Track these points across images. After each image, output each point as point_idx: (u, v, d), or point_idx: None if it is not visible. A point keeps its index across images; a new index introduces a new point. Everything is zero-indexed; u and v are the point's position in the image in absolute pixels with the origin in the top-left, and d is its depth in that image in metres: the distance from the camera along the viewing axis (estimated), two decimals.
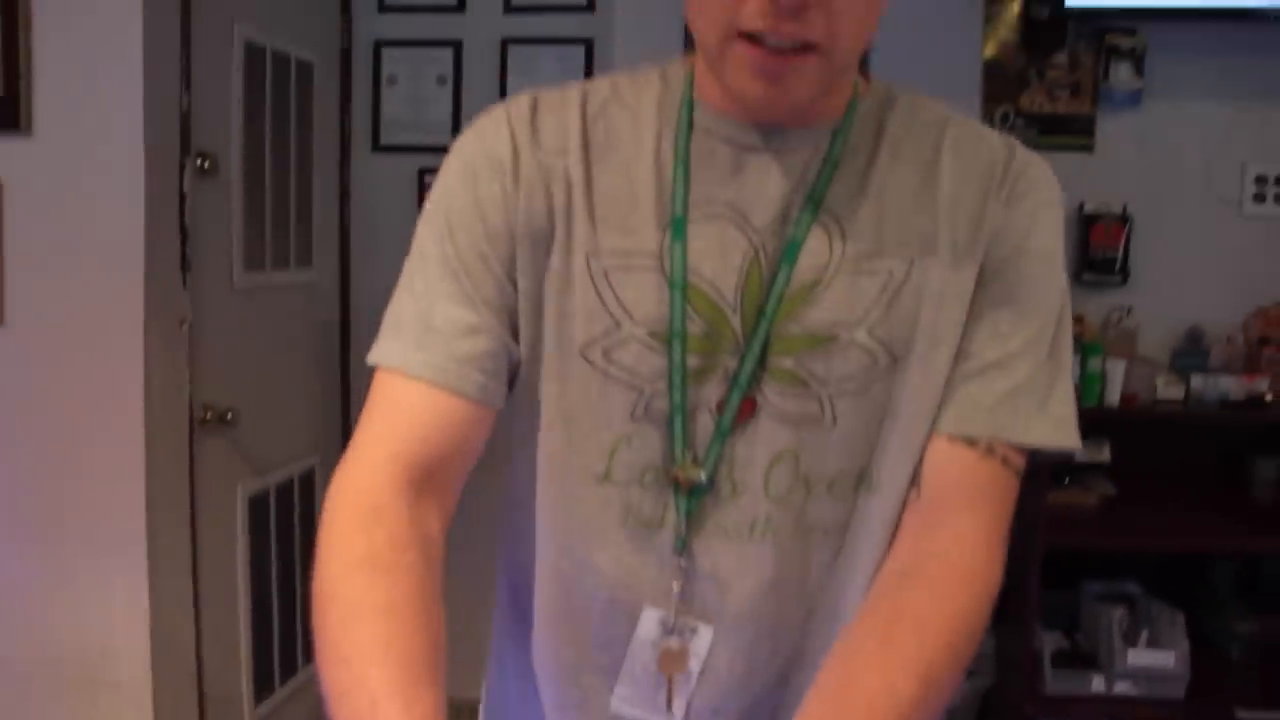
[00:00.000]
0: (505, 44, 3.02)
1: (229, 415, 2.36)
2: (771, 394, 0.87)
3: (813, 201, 0.87)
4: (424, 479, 0.86)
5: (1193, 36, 2.77)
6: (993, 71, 2.84)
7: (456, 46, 3.05)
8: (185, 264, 2.22)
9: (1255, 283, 2.84)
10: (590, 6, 2.99)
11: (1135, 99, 2.82)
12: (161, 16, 2.11)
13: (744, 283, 0.87)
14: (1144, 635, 2.52)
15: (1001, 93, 2.84)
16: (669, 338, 0.86)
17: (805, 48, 0.79)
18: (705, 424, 0.88)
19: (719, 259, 0.87)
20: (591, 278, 0.88)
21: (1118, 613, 2.54)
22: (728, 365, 0.87)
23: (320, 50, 2.89)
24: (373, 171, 3.10)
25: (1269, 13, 2.62)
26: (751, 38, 0.79)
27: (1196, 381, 2.68)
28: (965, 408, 0.88)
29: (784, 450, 0.88)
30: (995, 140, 0.92)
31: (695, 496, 0.88)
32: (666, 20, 2.84)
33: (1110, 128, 2.84)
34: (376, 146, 3.10)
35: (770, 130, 0.88)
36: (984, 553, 0.87)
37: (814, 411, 0.87)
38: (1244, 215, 2.86)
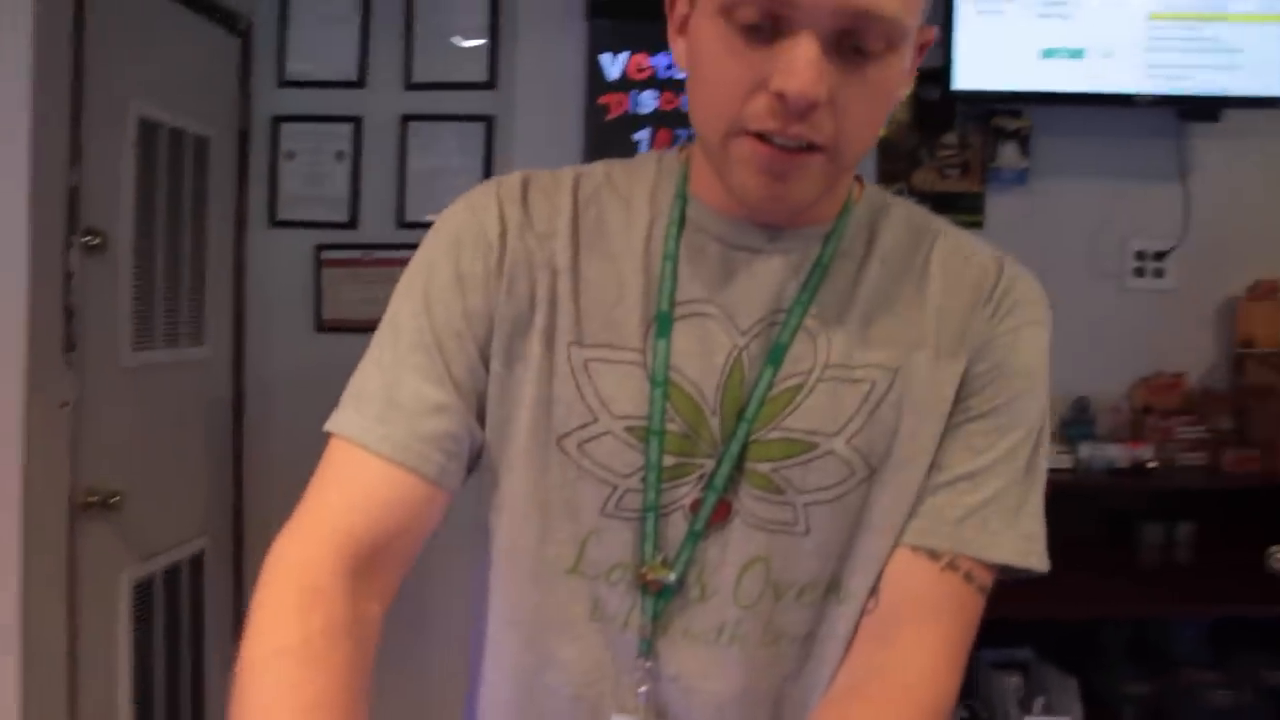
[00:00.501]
0: (405, 120, 3.02)
1: (114, 498, 2.27)
2: (746, 499, 0.86)
3: (800, 305, 0.87)
4: (369, 558, 0.83)
5: (1074, 119, 2.89)
6: (886, 150, 2.92)
7: (356, 122, 3.03)
8: (69, 343, 2.15)
9: (1138, 354, 2.94)
10: (491, 84, 3.00)
11: (1022, 177, 2.92)
12: (52, 94, 2.07)
13: (725, 384, 0.86)
14: (1039, 702, 2.55)
15: (895, 171, 2.92)
16: (647, 435, 0.85)
17: (811, 147, 0.78)
18: (678, 524, 0.86)
19: (702, 359, 0.86)
20: (572, 368, 0.86)
21: (1013, 680, 2.56)
22: (704, 466, 0.86)
23: (218, 125, 2.85)
24: (269, 247, 3.05)
25: (1142, 98, 2.74)
26: (758, 135, 0.78)
27: (1085, 450, 2.75)
28: (930, 519, 0.87)
29: (756, 556, 0.86)
30: (986, 255, 0.92)
31: (663, 598, 0.86)
32: (567, 99, 2.88)
33: (999, 205, 2.93)
34: (274, 222, 3.05)
35: (764, 230, 0.88)
36: (937, 670, 0.85)
37: (788, 518, 0.86)
38: (1126, 289, 2.97)
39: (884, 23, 0.75)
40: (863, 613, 0.88)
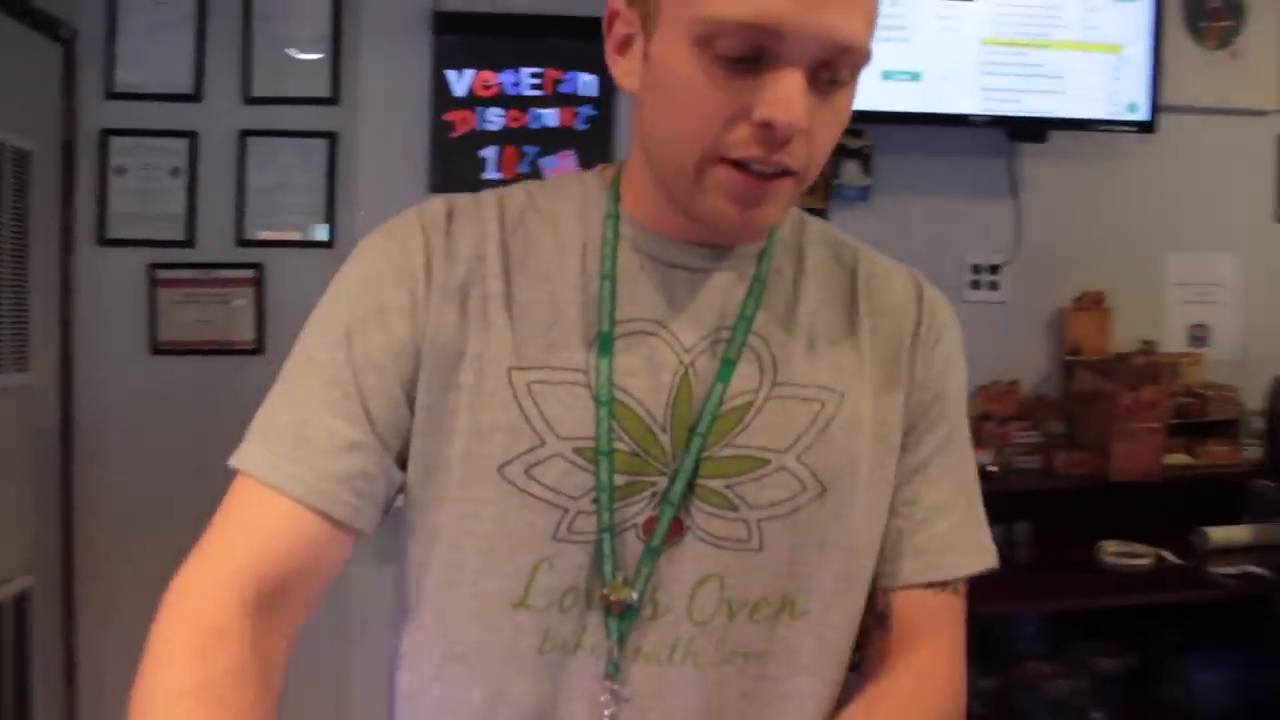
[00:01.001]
0: (244, 135, 2.92)
1: None
2: (699, 515, 0.85)
3: (745, 321, 0.88)
4: (272, 597, 0.80)
5: (913, 138, 2.98)
6: None
7: (192, 137, 2.92)
8: None
9: (975, 363, 3.03)
10: (334, 99, 2.94)
11: (864, 194, 3.00)
12: None
13: (673, 401, 0.86)
14: None
15: None
16: (595, 456, 0.83)
17: (785, 173, 0.80)
18: (632, 544, 0.85)
19: (648, 377, 0.86)
20: (514, 393, 0.84)
21: None
22: (655, 484, 0.85)
23: (40, 138, 2.71)
24: (99, 267, 2.91)
25: (976, 119, 2.86)
26: (735, 163, 0.79)
27: None
28: (923, 558, 0.94)
29: (710, 573, 0.85)
30: (903, 276, 0.98)
31: (626, 619, 0.84)
32: (412, 115, 2.83)
33: (842, 221, 3.01)
34: (103, 240, 2.91)
35: (701, 248, 0.89)
36: (949, 670, 0.93)
37: (741, 535, 0.86)
38: (963, 300, 3.08)
39: (858, 54, 0.79)
40: (845, 637, 0.93)
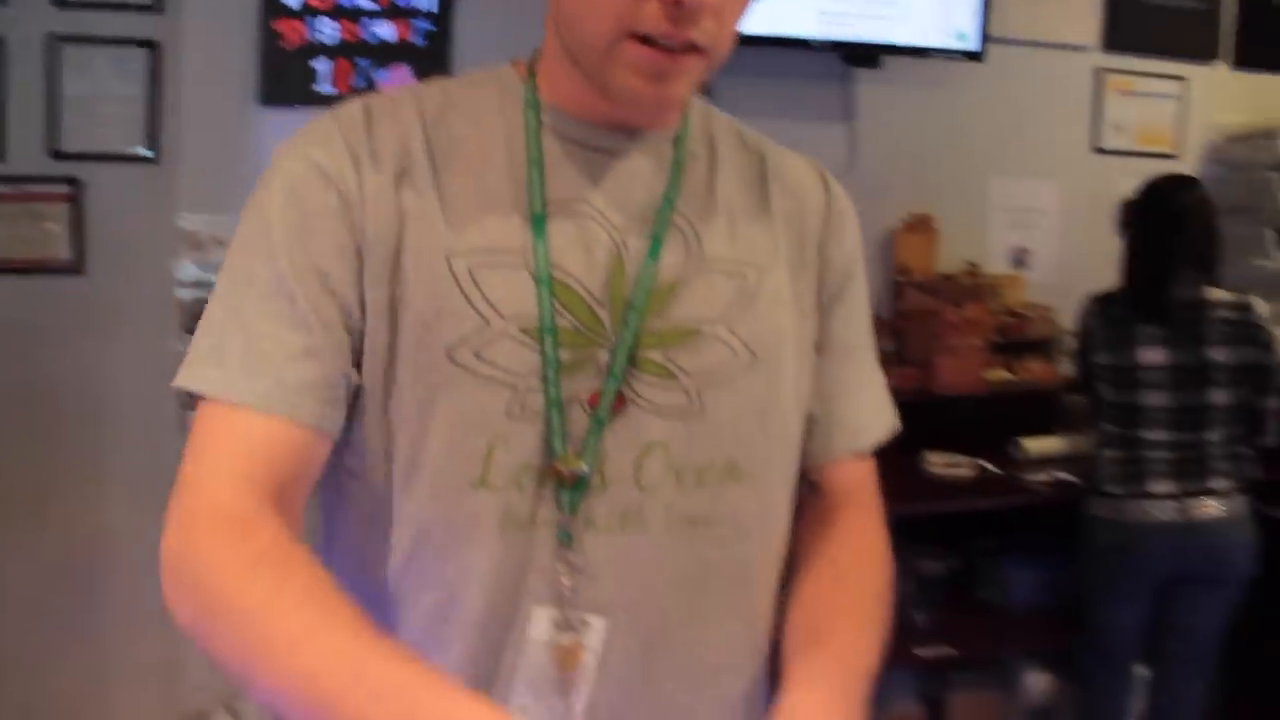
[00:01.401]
0: (56, 41, 2.75)
1: None
2: (641, 387, 0.88)
3: (669, 202, 0.92)
4: (275, 501, 0.81)
5: (751, 60, 3.00)
6: None
7: None
8: None
9: None
10: (157, 6, 2.78)
11: None
12: None
13: (609, 278, 0.88)
14: None
15: None
16: (540, 333, 0.85)
17: (692, 49, 0.83)
18: (579, 418, 0.87)
19: (583, 255, 0.88)
20: (455, 278, 0.85)
21: None
22: (598, 359, 0.87)
23: None
24: None
25: (813, 43, 2.90)
26: (644, 39, 0.82)
27: None
28: (846, 433, 1.02)
29: (655, 441, 0.88)
30: (807, 164, 1.04)
31: (578, 490, 0.87)
32: (240, 25, 2.71)
33: None
34: None
35: (621, 132, 0.92)
36: (882, 531, 1.02)
37: (682, 403, 0.89)
38: None
39: None
40: (781, 498, 0.97)
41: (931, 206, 3.19)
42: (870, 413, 1.04)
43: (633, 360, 0.88)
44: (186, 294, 2.67)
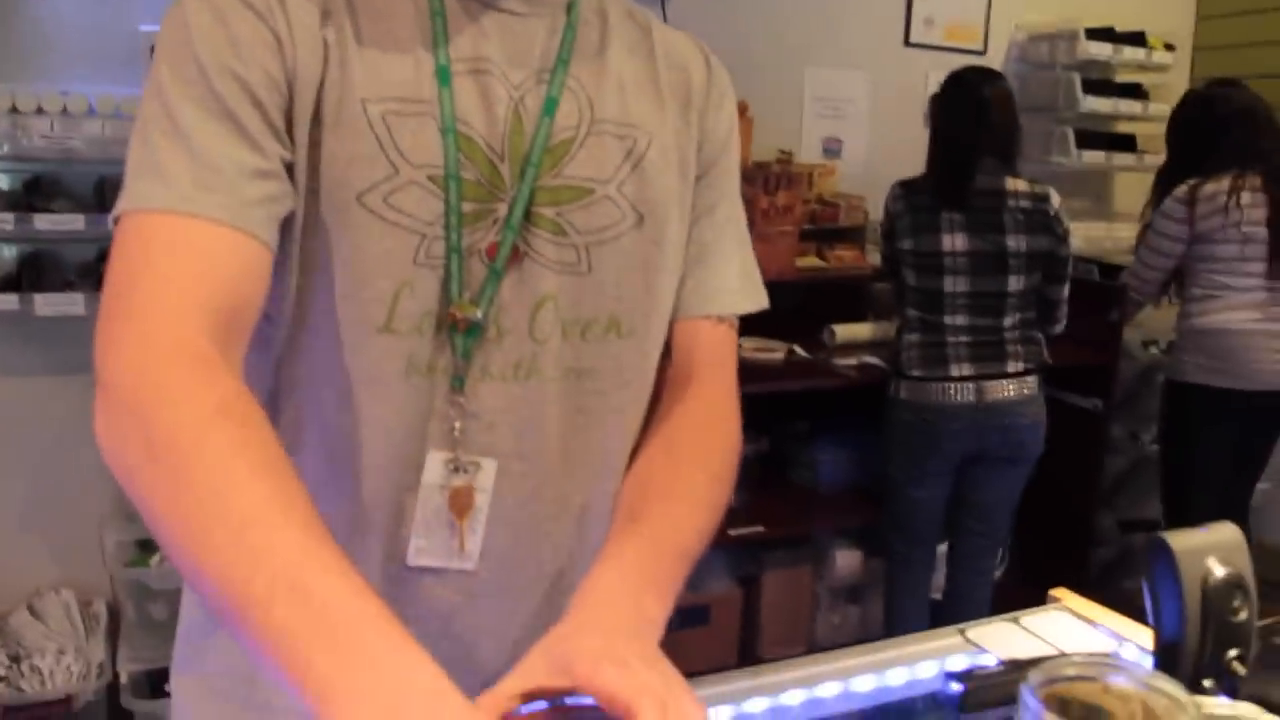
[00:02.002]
0: None
1: None
2: (535, 241, 0.91)
3: (563, 64, 0.94)
4: (229, 331, 0.79)
5: None
6: None
7: None
8: None
9: None
10: None
11: None
12: None
13: (508, 134, 0.90)
14: None
15: None
16: (445, 182, 0.87)
17: None
18: (477, 268, 0.89)
19: (484, 110, 0.90)
20: (369, 122, 0.86)
21: None
22: (497, 212, 0.90)
23: None
24: None
25: None
26: None
27: None
28: (704, 293, 1.03)
29: (546, 294, 0.92)
30: (691, 41, 1.06)
31: (471, 336, 0.89)
32: None
33: None
34: None
35: None
36: (731, 403, 1.03)
37: (572, 259, 0.92)
38: None
39: None
40: (655, 363, 1.01)
41: (746, 94, 3.19)
42: (731, 281, 1.05)
43: (528, 215, 0.91)
44: None
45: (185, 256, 0.79)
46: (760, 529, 2.95)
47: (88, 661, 2.56)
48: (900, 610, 2.94)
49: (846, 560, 3.23)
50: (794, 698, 1.01)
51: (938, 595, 3.02)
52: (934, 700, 0.99)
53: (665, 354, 1.04)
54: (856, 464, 3.21)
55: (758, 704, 1.00)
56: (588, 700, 0.69)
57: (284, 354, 0.92)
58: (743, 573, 3.13)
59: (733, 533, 2.89)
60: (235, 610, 0.66)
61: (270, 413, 0.85)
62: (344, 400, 0.89)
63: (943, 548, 2.99)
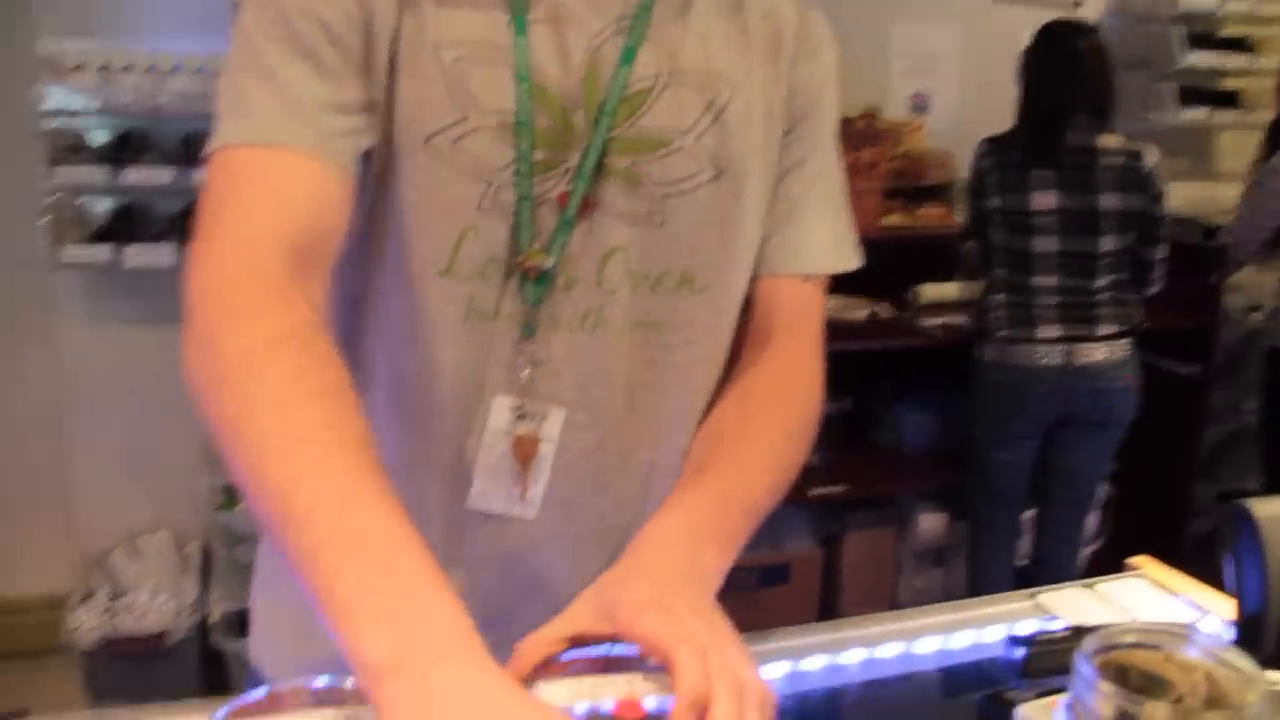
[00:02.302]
0: None
1: None
2: (608, 192, 0.90)
3: (644, 12, 0.91)
4: (307, 261, 0.80)
5: None
6: None
7: None
8: None
9: None
10: None
11: None
12: None
13: (584, 83, 0.89)
14: None
15: None
16: (516, 129, 0.87)
17: None
18: (547, 216, 0.89)
19: (560, 58, 0.89)
20: (442, 67, 0.86)
21: None
22: (569, 160, 0.89)
23: None
24: None
25: None
26: None
27: None
28: (789, 250, 1.00)
29: (616, 246, 0.91)
30: None
31: (541, 284, 0.89)
32: None
33: None
34: None
35: None
36: (813, 361, 1.00)
37: (645, 211, 0.91)
38: None
39: None
40: (733, 320, 0.98)
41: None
42: (821, 239, 1.02)
43: (601, 165, 0.90)
44: (51, 124, 2.56)
45: (265, 188, 0.81)
46: (842, 489, 2.93)
47: (181, 600, 2.66)
48: (984, 575, 2.90)
49: (930, 523, 3.19)
50: (853, 656, 0.99)
51: (1025, 562, 2.98)
52: (996, 665, 0.97)
53: (746, 311, 1.02)
54: (941, 425, 3.17)
55: (815, 661, 0.98)
56: (633, 650, 0.69)
57: (359, 294, 0.93)
58: (824, 533, 3.11)
59: (814, 492, 2.87)
60: (279, 526, 0.68)
61: (348, 351, 0.89)
62: (409, 341, 0.91)
63: (1031, 513, 2.93)
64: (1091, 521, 2.99)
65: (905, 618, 1.07)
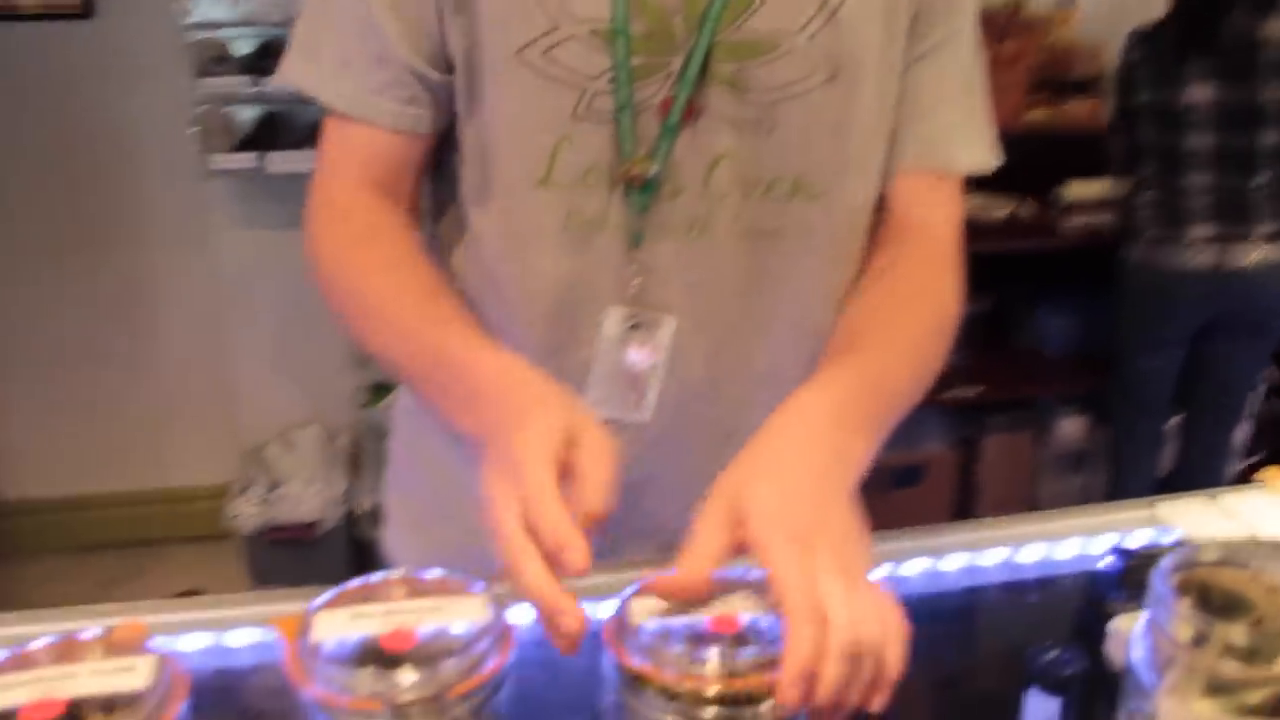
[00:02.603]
0: None
1: None
2: (713, 97, 0.87)
3: None
4: (376, 193, 0.92)
5: None
6: None
7: None
8: None
9: None
10: None
11: None
12: None
13: None
14: None
15: None
16: (612, 36, 0.85)
17: None
18: (649, 123, 0.87)
19: None
20: None
21: None
22: (670, 65, 0.86)
23: None
24: None
25: None
26: None
27: None
28: (922, 147, 0.95)
29: (723, 152, 0.89)
30: None
31: (646, 192, 0.88)
32: None
33: None
34: None
35: None
36: (950, 260, 0.96)
37: (753, 117, 0.88)
38: None
39: None
40: (856, 223, 0.96)
41: None
42: (957, 134, 0.97)
43: (705, 70, 0.87)
44: (197, 35, 2.65)
45: (332, 146, 0.94)
46: (980, 390, 2.88)
47: (331, 492, 2.80)
48: (1124, 484, 2.83)
49: (1070, 428, 3.11)
50: (954, 562, 0.99)
51: (1168, 473, 2.89)
52: (1095, 577, 0.96)
53: (880, 211, 0.98)
54: (1084, 328, 3.07)
55: (916, 565, 0.98)
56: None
57: (465, 208, 0.95)
58: (961, 435, 3.07)
59: (951, 394, 2.83)
60: (409, 384, 0.93)
61: (462, 261, 0.96)
62: (512, 252, 0.92)
63: (1176, 422, 2.84)
64: (1241, 434, 2.87)
65: (1013, 524, 1.06)
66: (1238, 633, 0.58)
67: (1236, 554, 0.65)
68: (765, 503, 0.67)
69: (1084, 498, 3.18)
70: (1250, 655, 0.57)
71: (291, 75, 0.92)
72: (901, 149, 0.96)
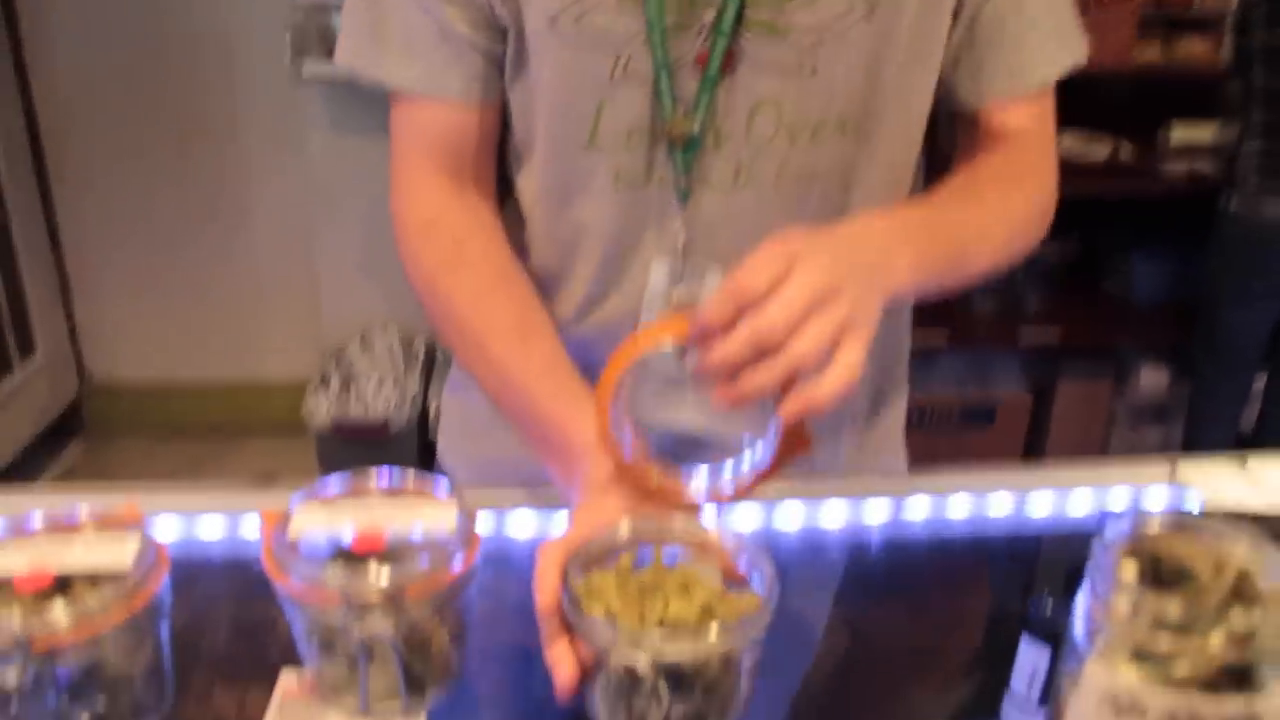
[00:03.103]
0: None
1: None
2: (749, 45, 0.87)
3: None
4: (457, 177, 0.95)
5: None
6: None
7: None
8: None
9: None
10: None
11: None
12: None
13: None
14: None
15: None
16: None
17: None
18: (687, 79, 0.88)
19: None
20: None
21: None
22: (704, 18, 0.86)
23: None
24: None
25: None
26: None
27: None
28: (1006, 71, 0.94)
29: (764, 99, 0.88)
30: None
31: (690, 150, 0.89)
32: None
33: None
34: None
35: None
36: (1049, 160, 0.98)
37: (792, 60, 0.87)
38: None
39: None
40: (913, 152, 0.96)
41: None
42: (1038, 50, 0.94)
43: (741, 18, 0.86)
44: None
45: (406, 131, 0.96)
46: (1056, 332, 2.82)
47: (404, 393, 2.86)
48: (1202, 440, 2.76)
49: (1151, 378, 3.03)
50: (960, 511, 0.99)
51: (1250, 431, 2.80)
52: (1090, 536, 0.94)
53: (967, 135, 0.98)
54: (1177, 279, 2.97)
55: (919, 505, 0.98)
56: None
57: (522, 170, 0.98)
58: (1036, 378, 3.01)
59: (1027, 336, 2.77)
60: (493, 401, 0.95)
61: (529, 221, 0.99)
62: (563, 210, 0.95)
63: (1262, 380, 2.74)
64: None
65: (1017, 475, 1.05)
66: (1171, 604, 0.57)
67: (1190, 525, 0.64)
68: (802, 241, 0.73)
69: (1159, 451, 3.11)
70: (1182, 628, 0.56)
71: (356, 63, 0.93)
72: (991, 79, 0.94)
